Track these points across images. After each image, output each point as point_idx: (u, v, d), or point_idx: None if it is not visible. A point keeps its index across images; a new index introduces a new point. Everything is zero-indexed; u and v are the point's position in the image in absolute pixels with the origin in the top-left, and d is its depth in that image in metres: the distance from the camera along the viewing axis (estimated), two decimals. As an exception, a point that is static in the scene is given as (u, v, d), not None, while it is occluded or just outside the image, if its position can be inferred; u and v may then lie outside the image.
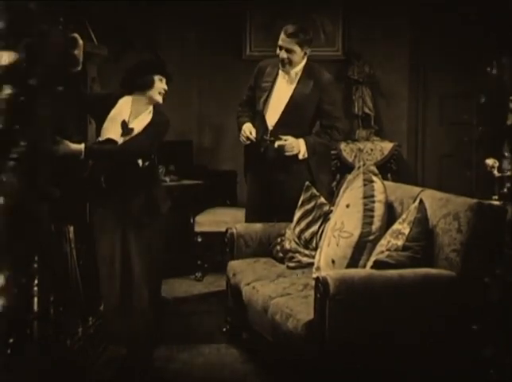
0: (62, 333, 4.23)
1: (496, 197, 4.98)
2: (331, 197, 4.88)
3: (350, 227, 4.00)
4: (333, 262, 4.00)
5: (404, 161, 7.12)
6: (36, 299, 4.14)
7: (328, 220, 4.36)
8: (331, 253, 4.03)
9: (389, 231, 3.86)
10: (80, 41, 4.14)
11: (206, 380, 4.19)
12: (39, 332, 4.13)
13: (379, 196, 4.04)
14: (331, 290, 3.44)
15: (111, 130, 4.13)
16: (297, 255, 4.52)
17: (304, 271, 4.37)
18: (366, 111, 7.11)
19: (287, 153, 4.85)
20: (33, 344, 4.07)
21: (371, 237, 3.96)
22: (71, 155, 4.06)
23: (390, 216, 4.05)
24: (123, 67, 4.33)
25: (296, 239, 4.56)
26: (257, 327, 4.17)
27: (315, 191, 4.68)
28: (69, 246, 4.46)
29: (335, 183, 6.73)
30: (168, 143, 5.12)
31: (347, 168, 6.50)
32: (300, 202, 4.66)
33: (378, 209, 4.01)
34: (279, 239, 4.70)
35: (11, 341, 3.95)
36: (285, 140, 4.83)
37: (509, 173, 5.02)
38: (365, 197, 4.03)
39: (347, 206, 4.07)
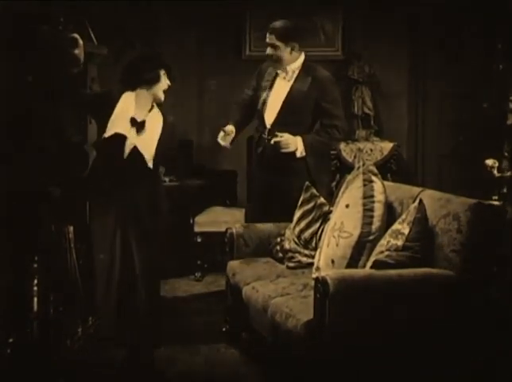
0: (62, 333, 4.24)
1: (496, 197, 4.99)
2: (331, 197, 4.87)
3: (349, 227, 4.00)
4: (333, 262, 4.00)
5: (404, 161, 7.11)
6: (36, 299, 4.15)
7: (328, 220, 4.36)
8: (330, 253, 4.03)
9: (389, 231, 3.86)
10: (81, 41, 4.15)
11: (206, 380, 4.19)
12: (39, 332, 4.13)
13: (379, 196, 4.04)
14: (331, 290, 3.44)
15: (118, 125, 4.17)
16: (297, 255, 4.52)
17: (304, 271, 4.37)
18: (366, 111, 7.10)
19: (283, 150, 4.83)
20: (33, 344, 4.08)
21: (371, 237, 3.96)
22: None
23: (390, 216, 4.05)
24: (123, 66, 4.34)
25: (296, 239, 4.56)
26: (257, 327, 4.18)
27: (314, 191, 4.67)
28: (69, 246, 4.46)
29: (334, 183, 6.73)
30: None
31: (346, 168, 6.49)
32: (299, 202, 4.66)
33: (378, 209, 4.01)
34: (279, 239, 4.70)
35: (11, 340, 3.96)
36: (281, 136, 4.81)
37: (508, 174, 5.03)
38: (365, 197, 4.03)
39: (347, 206, 4.07)
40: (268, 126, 4.95)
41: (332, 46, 7.21)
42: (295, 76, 4.94)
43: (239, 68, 7.08)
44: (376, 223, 3.98)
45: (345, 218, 4.05)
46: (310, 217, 4.59)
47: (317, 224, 4.56)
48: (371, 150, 6.92)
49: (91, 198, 4.40)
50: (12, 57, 4.01)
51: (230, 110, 5.32)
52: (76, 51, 4.13)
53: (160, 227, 4.27)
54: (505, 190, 5.00)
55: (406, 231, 3.72)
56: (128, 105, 4.21)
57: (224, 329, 4.76)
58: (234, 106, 5.25)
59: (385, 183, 4.21)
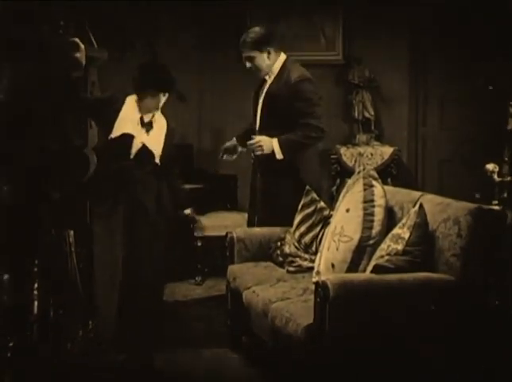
0: (62, 336, 4.24)
1: (496, 202, 4.99)
2: (332, 202, 4.87)
3: (350, 231, 4.00)
4: (333, 266, 4.00)
5: (404, 165, 7.12)
6: (36, 302, 4.15)
7: (328, 224, 4.36)
8: (330, 257, 4.03)
9: (389, 235, 3.86)
10: (82, 45, 4.16)
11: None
12: (39, 335, 4.13)
13: (379, 200, 4.04)
14: (331, 294, 3.44)
15: (126, 126, 4.29)
16: (297, 259, 4.52)
17: (304, 276, 4.37)
18: (367, 115, 7.10)
19: (257, 153, 4.83)
20: (33, 348, 4.07)
21: (371, 241, 3.96)
22: None
23: (390, 220, 4.05)
24: (123, 71, 4.37)
25: (296, 244, 4.56)
26: (257, 331, 4.18)
27: (315, 195, 4.67)
28: (69, 250, 4.46)
29: (335, 187, 6.74)
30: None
31: (347, 172, 6.50)
32: (300, 206, 4.66)
33: (378, 214, 4.01)
34: (279, 244, 4.70)
35: (11, 344, 3.96)
36: (255, 139, 4.81)
37: (509, 178, 5.03)
38: (365, 202, 4.03)
39: (347, 210, 4.07)
40: (256, 131, 4.97)
41: (333, 50, 7.21)
42: (272, 78, 4.95)
43: (240, 69, 7.08)
44: (376, 227, 3.98)
45: (345, 222, 4.05)
46: (310, 221, 4.59)
47: (317, 228, 4.56)
48: (372, 155, 6.92)
49: (93, 202, 4.40)
50: (12, 58, 4.02)
51: (234, 115, 5.31)
52: (78, 54, 4.14)
53: (165, 228, 4.29)
54: (505, 195, 5.00)
55: (406, 235, 3.72)
56: (133, 108, 4.34)
57: (224, 333, 4.76)
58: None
59: (386, 187, 4.21)
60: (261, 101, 4.99)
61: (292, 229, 4.65)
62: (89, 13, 4.81)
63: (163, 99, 4.34)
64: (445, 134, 7.28)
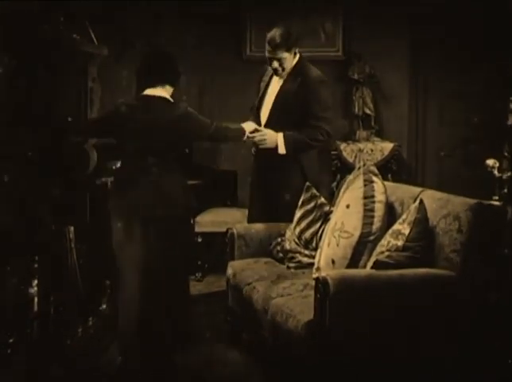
0: (62, 333, 4.24)
1: (496, 198, 4.99)
2: (332, 198, 4.87)
3: (350, 227, 4.00)
4: (333, 262, 4.00)
5: (404, 161, 7.11)
6: (36, 299, 4.15)
7: (328, 220, 4.36)
8: (331, 253, 4.03)
9: (390, 231, 3.86)
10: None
11: (206, 380, 4.19)
12: (39, 332, 4.13)
13: (379, 196, 4.04)
14: (331, 290, 3.44)
15: None
16: (297, 255, 4.52)
17: (305, 272, 4.37)
18: (367, 111, 7.10)
19: (260, 146, 4.80)
20: (33, 345, 4.08)
21: (371, 237, 3.96)
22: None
23: (390, 216, 4.05)
24: (123, 67, 4.35)
25: (297, 240, 4.56)
26: (258, 327, 4.17)
27: (315, 191, 4.67)
28: (69, 246, 4.46)
29: (335, 183, 6.73)
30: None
31: (347, 168, 6.49)
32: (300, 202, 4.65)
33: (379, 210, 4.01)
34: (279, 240, 4.70)
35: (11, 340, 3.97)
36: (261, 132, 4.78)
37: (509, 174, 5.03)
38: (365, 198, 4.03)
39: (348, 206, 4.07)
40: (262, 125, 4.95)
41: (333, 46, 7.21)
42: (286, 75, 4.92)
43: (240, 68, 7.08)
44: (377, 223, 3.98)
45: (346, 218, 4.05)
46: (311, 217, 4.59)
47: (318, 224, 4.56)
48: (372, 151, 6.92)
49: (113, 206, 4.29)
50: (12, 56, 4.02)
51: (234, 112, 5.29)
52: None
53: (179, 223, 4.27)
54: (505, 190, 5.00)
55: (407, 231, 3.72)
56: None
57: (225, 330, 4.76)
58: (250, 112, 5.23)
59: (386, 183, 4.21)
60: (272, 97, 4.96)
61: (292, 225, 4.64)
62: (89, 13, 4.82)
63: (170, 90, 4.29)
64: (445, 130, 7.28)
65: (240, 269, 4.54)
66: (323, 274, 3.62)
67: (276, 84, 4.98)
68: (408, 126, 7.33)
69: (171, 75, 4.27)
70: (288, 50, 4.80)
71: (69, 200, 4.49)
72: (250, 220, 5.17)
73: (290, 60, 4.85)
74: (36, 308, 4.15)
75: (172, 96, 4.26)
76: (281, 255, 4.64)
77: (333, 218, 4.20)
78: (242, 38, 7.20)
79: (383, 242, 3.84)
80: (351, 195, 4.10)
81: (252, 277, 4.36)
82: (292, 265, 4.51)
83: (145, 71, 4.25)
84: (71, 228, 4.48)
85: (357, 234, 3.98)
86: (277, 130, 4.77)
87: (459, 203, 3.73)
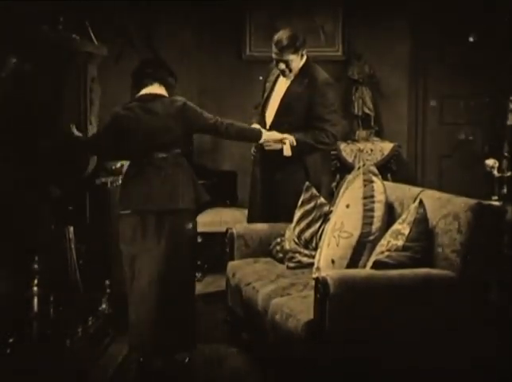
0: (62, 332, 4.24)
1: (496, 198, 4.99)
2: (331, 198, 4.87)
3: (350, 227, 4.00)
4: (333, 262, 4.00)
5: (404, 161, 7.11)
6: (36, 299, 4.15)
7: (328, 220, 4.35)
8: (330, 253, 4.03)
9: (389, 231, 3.86)
10: None
11: (206, 380, 4.19)
12: (39, 332, 4.13)
13: (379, 196, 4.04)
14: (331, 290, 3.44)
15: None
16: (297, 255, 4.52)
17: (304, 272, 4.37)
18: (366, 111, 7.10)
19: (266, 148, 4.78)
20: (33, 344, 4.08)
21: (371, 237, 3.96)
22: None
23: (390, 216, 4.05)
24: (123, 67, 4.35)
25: (296, 240, 4.56)
26: (257, 327, 4.17)
27: (315, 191, 4.67)
28: (69, 246, 4.46)
29: (334, 183, 6.73)
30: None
31: (346, 168, 6.49)
32: (300, 202, 4.65)
33: (378, 210, 4.01)
34: (279, 240, 4.69)
35: (11, 340, 3.97)
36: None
37: (509, 174, 5.03)
38: (365, 198, 4.03)
39: (347, 206, 4.07)
40: (267, 126, 4.93)
41: (332, 46, 7.20)
42: (293, 76, 4.92)
43: (239, 68, 7.08)
44: (376, 223, 3.98)
45: (345, 218, 4.05)
46: (310, 217, 4.59)
47: (317, 224, 4.56)
48: (371, 151, 6.92)
49: (121, 206, 4.26)
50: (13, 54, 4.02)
51: (234, 112, 5.30)
52: None
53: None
54: (505, 190, 5.00)
55: (406, 231, 3.72)
56: None
57: (224, 329, 4.76)
58: (253, 110, 5.23)
59: (386, 183, 4.21)
60: (279, 98, 4.96)
61: (292, 225, 4.64)
62: (89, 13, 4.82)
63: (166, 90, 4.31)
64: (445, 130, 7.28)
65: (240, 269, 4.54)
66: (323, 274, 3.62)
67: (283, 85, 4.98)
68: (407, 125, 7.33)
69: (165, 74, 4.32)
70: (294, 52, 4.81)
71: (69, 200, 4.49)
72: (250, 220, 5.17)
73: (297, 61, 4.85)
74: (36, 308, 4.16)
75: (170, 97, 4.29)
76: (280, 254, 4.64)
77: (333, 218, 4.20)
78: (241, 38, 7.20)
79: (383, 242, 3.84)
80: (350, 195, 4.10)
81: (252, 277, 4.36)
82: (291, 265, 4.50)
83: (140, 73, 4.31)
84: (71, 228, 4.48)
85: (357, 234, 3.98)
86: (282, 132, 4.75)
87: (459, 203, 3.73)
